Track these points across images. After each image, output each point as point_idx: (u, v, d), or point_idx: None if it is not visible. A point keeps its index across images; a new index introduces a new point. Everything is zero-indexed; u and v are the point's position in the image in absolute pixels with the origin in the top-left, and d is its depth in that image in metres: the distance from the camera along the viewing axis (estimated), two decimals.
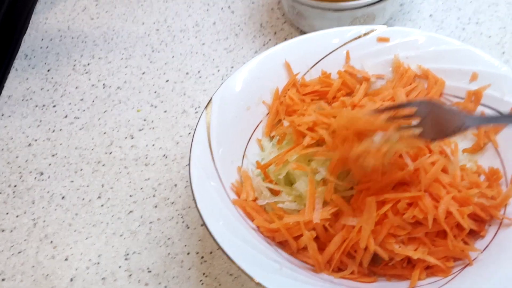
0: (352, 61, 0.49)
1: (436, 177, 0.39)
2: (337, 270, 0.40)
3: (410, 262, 0.40)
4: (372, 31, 0.49)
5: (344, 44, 0.48)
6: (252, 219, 0.41)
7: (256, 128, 0.47)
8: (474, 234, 0.40)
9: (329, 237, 0.39)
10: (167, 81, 0.62)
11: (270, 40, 0.64)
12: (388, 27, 0.49)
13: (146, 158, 0.54)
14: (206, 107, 0.45)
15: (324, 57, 0.48)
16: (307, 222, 0.39)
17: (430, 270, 0.39)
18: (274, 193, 0.43)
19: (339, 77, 0.48)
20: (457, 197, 0.39)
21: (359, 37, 0.49)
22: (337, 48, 0.48)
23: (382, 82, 0.49)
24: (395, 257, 0.38)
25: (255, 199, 0.42)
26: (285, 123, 0.45)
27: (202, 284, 0.45)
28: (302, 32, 0.64)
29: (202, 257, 0.46)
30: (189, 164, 0.41)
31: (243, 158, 0.45)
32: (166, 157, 0.54)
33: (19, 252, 0.47)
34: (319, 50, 0.49)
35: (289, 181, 0.43)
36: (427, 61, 0.47)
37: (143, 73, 0.63)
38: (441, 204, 0.37)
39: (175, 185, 0.52)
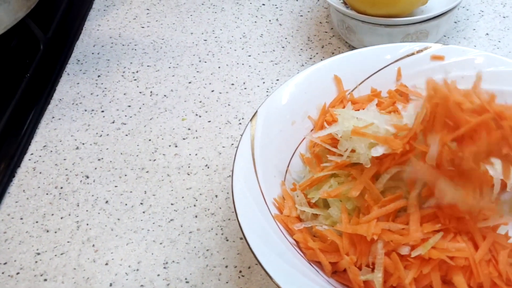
0: (404, 79, 0.47)
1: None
2: None
3: None
4: (426, 48, 0.47)
5: (396, 61, 0.47)
6: (293, 235, 0.40)
7: (301, 143, 0.46)
8: None
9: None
10: (213, 91, 0.62)
11: (317, 53, 0.64)
12: (443, 45, 0.48)
13: (189, 167, 0.54)
14: (251, 119, 0.44)
15: (373, 74, 0.47)
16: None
17: None
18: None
19: (389, 97, 0.47)
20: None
21: (412, 54, 0.47)
22: (388, 65, 0.47)
23: None
24: None
25: (297, 216, 0.41)
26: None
27: None
28: (351, 47, 0.63)
29: (240, 271, 0.46)
30: (231, 176, 0.41)
31: (286, 173, 0.45)
32: (208, 167, 0.54)
33: (61, 254, 0.48)
34: (369, 66, 0.47)
35: (328, 203, 0.42)
36: (484, 82, 0.45)
37: (190, 82, 0.63)
38: (500, 267, 0.34)
39: (216, 196, 0.52)
